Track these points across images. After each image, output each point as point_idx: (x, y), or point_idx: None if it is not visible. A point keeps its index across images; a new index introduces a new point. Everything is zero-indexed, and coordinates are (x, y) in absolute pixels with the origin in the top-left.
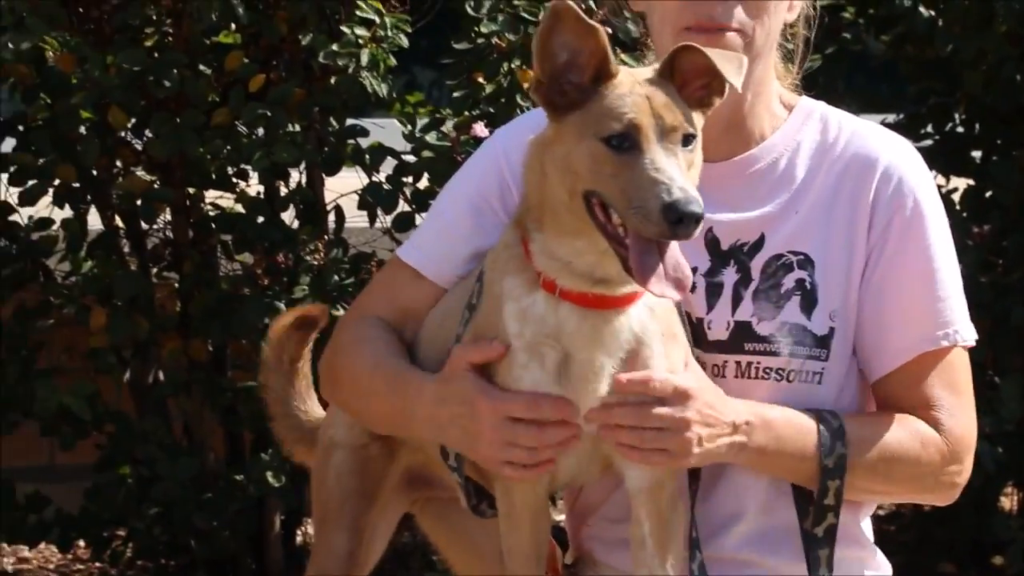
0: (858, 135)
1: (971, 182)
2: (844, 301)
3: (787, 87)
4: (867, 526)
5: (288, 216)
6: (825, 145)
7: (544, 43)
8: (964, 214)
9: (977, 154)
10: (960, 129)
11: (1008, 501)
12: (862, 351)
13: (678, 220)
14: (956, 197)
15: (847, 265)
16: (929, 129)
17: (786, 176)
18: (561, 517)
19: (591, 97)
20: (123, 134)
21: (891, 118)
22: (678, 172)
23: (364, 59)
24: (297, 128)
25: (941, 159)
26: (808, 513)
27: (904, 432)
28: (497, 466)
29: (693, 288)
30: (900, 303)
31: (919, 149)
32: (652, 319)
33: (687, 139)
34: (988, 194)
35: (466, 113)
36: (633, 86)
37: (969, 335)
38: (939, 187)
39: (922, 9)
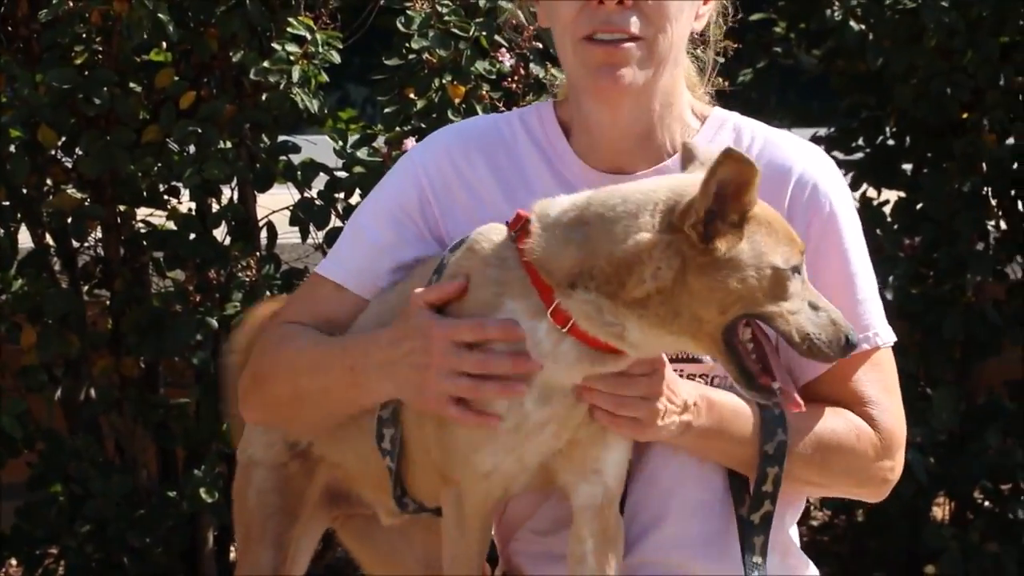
0: (771, 144)
1: (902, 194)
2: None
3: (700, 98)
4: (794, 533)
5: (220, 233)
6: None
7: (714, 185)
8: (895, 226)
9: (908, 167)
10: (891, 142)
11: (940, 511)
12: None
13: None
14: (887, 209)
15: None
16: (860, 142)
17: None
18: None
19: (746, 225)
20: (53, 152)
21: (823, 132)
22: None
23: (295, 75)
24: (228, 145)
25: (872, 172)
26: (744, 500)
27: (840, 423)
28: (444, 405)
29: None
30: None
31: (851, 162)
32: None
33: None
34: (919, 206)
35: (398, 128)
36: (770, 209)
37: (888, 336)
38: (871, 199)
39: (852, 23)
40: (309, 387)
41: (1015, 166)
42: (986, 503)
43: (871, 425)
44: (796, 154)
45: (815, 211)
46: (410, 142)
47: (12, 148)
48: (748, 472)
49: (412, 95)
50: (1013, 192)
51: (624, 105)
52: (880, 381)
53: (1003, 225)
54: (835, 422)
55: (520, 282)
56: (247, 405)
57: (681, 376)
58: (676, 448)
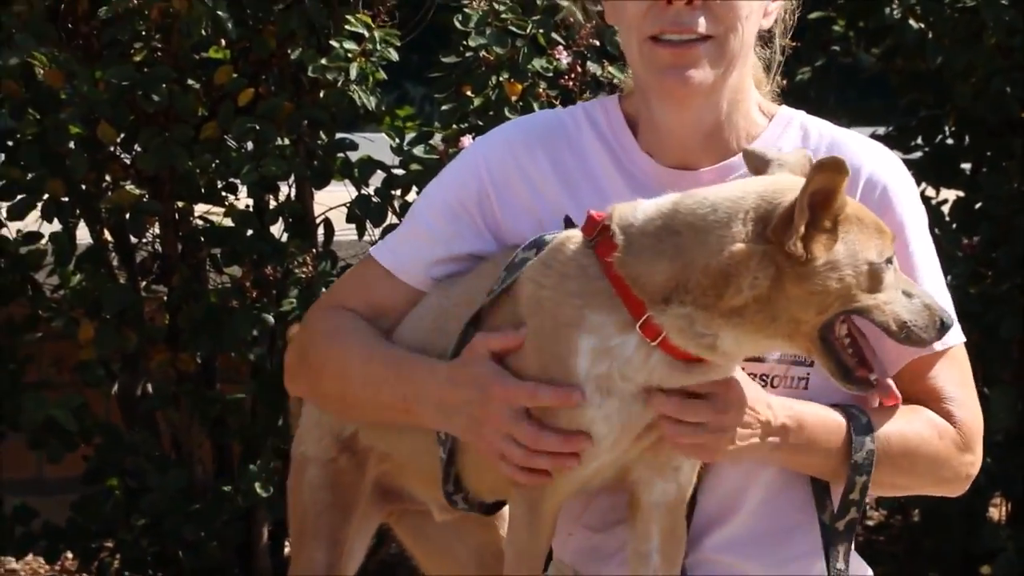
0: (839, 144)
1: (961, 194)
2: None
3: (766, 95)
4: None
5: (277, 229)
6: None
7: (831, 198)
8: (954, 225)
9: (967, 166)
10: (950, 141)
11: (996, 511)
12: None
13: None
14: (946, 209)
15: None
16: (919, 141)
17: None
18: None
19: (842, 225)
20: (112, 148)
21: (882, 130)
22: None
23: (353, 73)
24: (286, 142)
25: (931, 171)
26: (826, 505)
27: (923, 425)
28: (495, 458)
29: None
30: None
31: (909, 161)
32: None
33: None
34: (978, 206)
35: (454, 126)
36: (856, 203)
37: (960, 335)
38: (929, 198)
39: (912, 22)
40: (360, 397)
41: None
42: None
43: (950, 421)
44: (865, 154)
45: (886, 212)
46: (467, 139)
47: (71, 144)
48: (835, 480)
49: (469, 93)
50: None
51: (692, 104)
52: (956, 376)
53: None
54: (919, 424)
55: (604, 294)
56: (293, 382)
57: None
58: None
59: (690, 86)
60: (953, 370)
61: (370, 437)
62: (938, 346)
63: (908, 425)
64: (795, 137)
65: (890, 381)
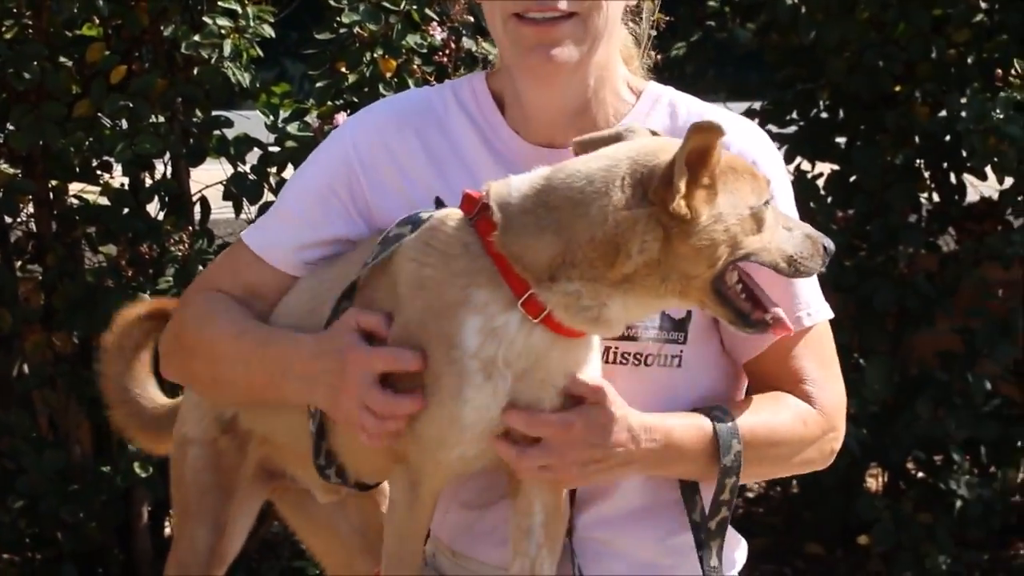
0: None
1: (835, 167)
2: None
3: (636, 71)
4: None
5: (153, 207)
6: (675, 131)
7: (708, 155)
8: (828, 198)
9: (841, 140)
10: (824, 115)
11: (874, 481)
12: (727, 337)
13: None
14: (821, 182)
15: None
16: (794, 115)
17: None
18: None
19: (720, 177)
20: None
21: (757, 105)
22: None
23: (227, 49)
24: (160, 119)
25: (806, 144)
26: (696, 504)
27: (788, 414)
28: (355, 428)
29: None
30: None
31: (785, 136)
32: None
33: None
34: (852, 179)
35: (329, 103)
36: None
37: (825, 312)
38: (804, 172)
39: None
40: (229, 376)
41: (947, 138)
42: (919, 474)
43: (812, 403)
44: (733, 131)
45: None
46: (342, 116)
47: None
48: (702, 481)
49: (344, 69)
50: (945, 164)
51: (558, 82)
52: (818, 357)
53: (935, 197)
54: (784, 415)
55: (488, 272)
56: (167, 366)
57: (616, 353)
58: None
59: (554, 64)
60: (815, 349)
61: (249, 420)
62: (807, 321)
63: (774, 417)
64: (663, 114)
65: (780, 311)
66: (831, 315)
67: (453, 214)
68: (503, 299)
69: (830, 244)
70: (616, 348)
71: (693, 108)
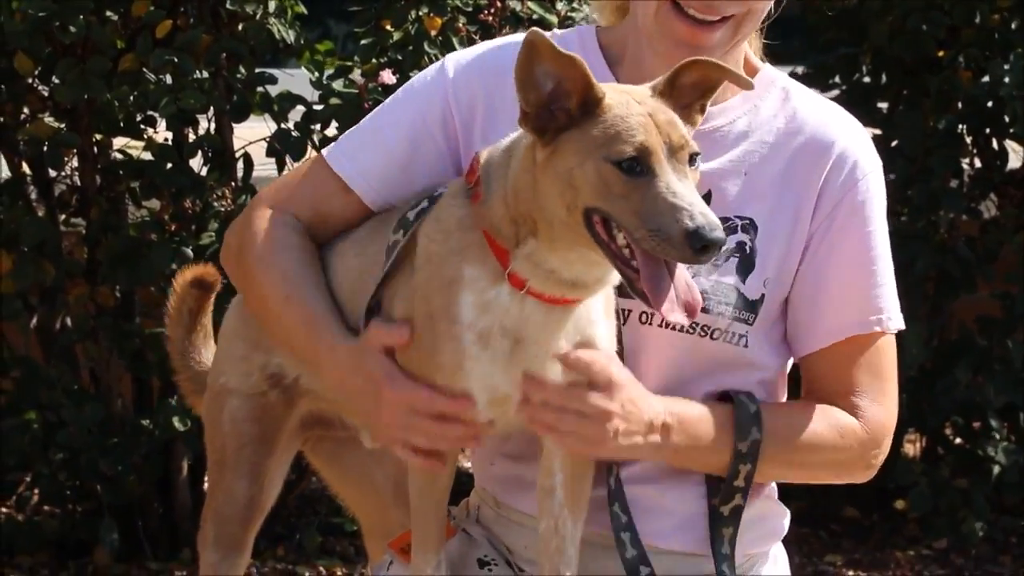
0: (818, 114)
1: (877, 132)
2: (779, 272)
3: (756, 51)
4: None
5: (196, 163)
6: (784, 117)
7: (526, 74)
8: None
9: (884, 104)
10: (867, 80)
11: (911, 447)
12: (793, 327)
13: (702, 247)
14: None
15: (788, 239)
16: (837, 79)
17: (740, 137)
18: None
19: (587, 119)
20: (29, 80)
21: (800, 69)
22: (696, 196)
23: (272, 6)
24: (205, 75)
25: (848, 109)
26: (718, 490)
27: (822, 424)
28: (394, 446)
29: None
30: (837, 285)
31: (827, 99)
32: (601, 298)
33: (692, 158)
34: (894, 144)
35: (374, 61)
36: (630, 105)
37: (898, 323)
38: None
39: None
40: (273, 330)
41: (989, 104)
42: (956, 439)
43: (858, 416)
44: (840, 129)
45: (849, 190)
46: (386, 74)
47: None
48: (724, 473)
49: (389, 27)
50: (987, 130)
51: None
52: (876, 369)
53: (977, 163)
54: (817, 424)
55: (477, 246)
56: (226, 265)
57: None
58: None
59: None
60: (874, 360)
61: (312, 381)
62: (876, 328)
63: (804, 423)
64: (776, 98)
65: (674, 296)
66: (902, 326)
67: (459, 185)
68: (491, 273)
69: (712, 236)
70: (696, 323)
71: (806, 98)
